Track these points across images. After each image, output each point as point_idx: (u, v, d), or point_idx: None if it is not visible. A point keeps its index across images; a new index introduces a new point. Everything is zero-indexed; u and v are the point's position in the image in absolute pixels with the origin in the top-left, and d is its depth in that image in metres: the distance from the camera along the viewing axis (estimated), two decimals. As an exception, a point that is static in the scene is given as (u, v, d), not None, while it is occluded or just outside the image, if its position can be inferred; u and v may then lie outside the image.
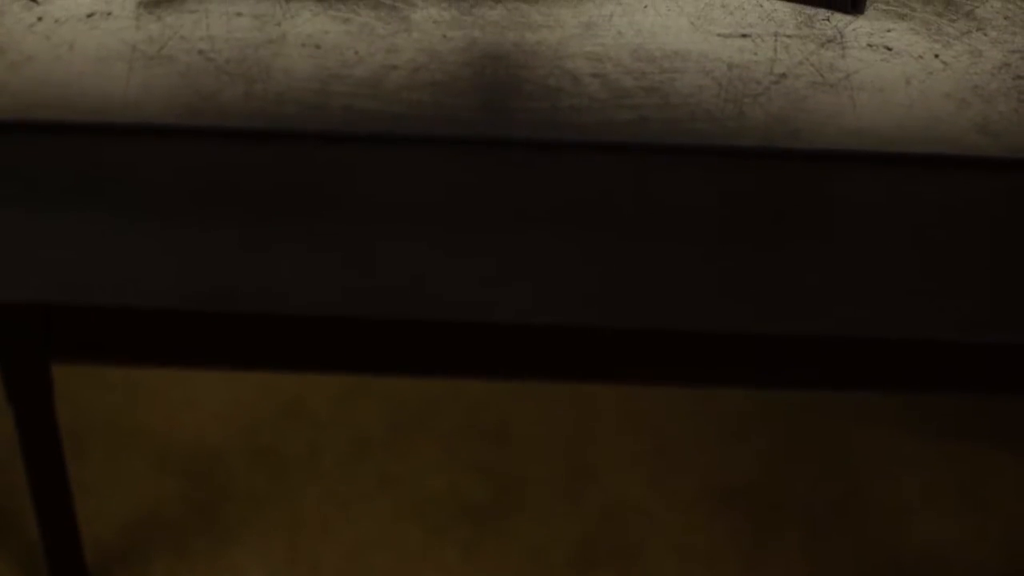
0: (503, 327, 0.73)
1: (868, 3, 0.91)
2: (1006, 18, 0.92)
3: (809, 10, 0.91)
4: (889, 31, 0.90)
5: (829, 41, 0.88)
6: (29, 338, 0.76)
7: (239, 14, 0.87)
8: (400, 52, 0.85)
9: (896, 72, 0.86)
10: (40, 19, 0.86)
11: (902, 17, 0.91)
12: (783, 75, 0.85)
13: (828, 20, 0.90)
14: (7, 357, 1.03)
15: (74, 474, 1.27)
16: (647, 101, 0.83)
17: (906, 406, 1.43)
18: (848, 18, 0.91)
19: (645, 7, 0.90)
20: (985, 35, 0.90)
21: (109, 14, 0.87)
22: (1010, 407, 1.42)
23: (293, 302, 0.72)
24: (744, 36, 0.88)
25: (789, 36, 0.88)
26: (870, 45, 0.88)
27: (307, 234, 0.75)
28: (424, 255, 0.74)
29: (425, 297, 0.73)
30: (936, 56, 0.88)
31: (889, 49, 0.88)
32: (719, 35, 0.88)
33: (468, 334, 0.73)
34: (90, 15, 0.86)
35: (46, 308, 0.73)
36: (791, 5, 0.91)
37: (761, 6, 0.91)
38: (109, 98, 0.81)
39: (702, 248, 0.76)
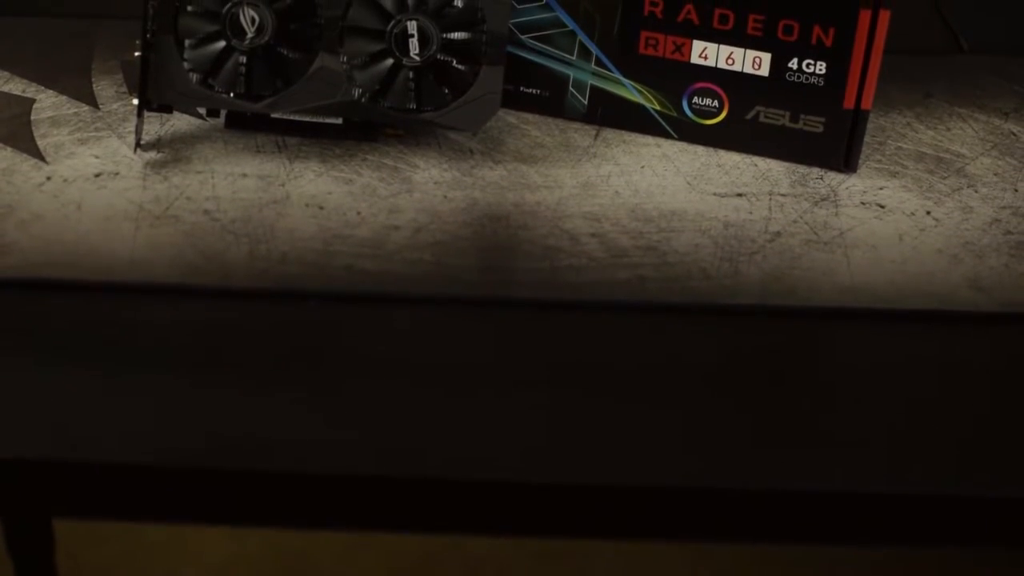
0: (502, 485, 0.73)
1: (860, 161, 0.93)
2: (995, 174, 0.93)
3: (803, 169, 0.92)
4: (882, 189, 0.91)
5: (823, 199, 0.90)
6: (30, 493, 0.76)
7: (244, 175, 0.89)
8: (402, 212, 0.86)
9: (889, 229, 0.88)
10: (49, 178, 0.88)
11: (894, 175, 0.92)
12: (778, 233, 0.86)
13: (821, 179, 0.91)
14: (8, 511, 1.03)
15: (73, 627, 1.26)
16: (644, 260, 0.84)
17: (906, 559, 1.42)
18: (841, 176, 0.92)
19: (642, 168, 0.91)
20: (976, 191, 0.91)
21: (116, 174, 0.88)
22: (1010, 559, 1.41)
23: (294, 459, 0.73)
24: (739, 195, 0.89)
25: (783, 195, 0.90)
26: (863, 203, 0.90)
27: (308, 392, 0.75)
28: (424, 413, 0.75)
29: (425, 455, 0.73)
30: (928, 213, 0.89)
31: (882, 207, 0.89)
32: (715, 194, 0.89)
33: (468, 492, 0.73)
34: (98, 175, 0.88)
35: (48, 464, 0.73)
36: (785, 164, 0.92)
37: (756, 165, 0.92)
38: (116, 257, 0.82)
39: (700, 405, 0.76)
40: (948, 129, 0.97)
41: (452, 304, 0.81)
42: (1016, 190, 0.92)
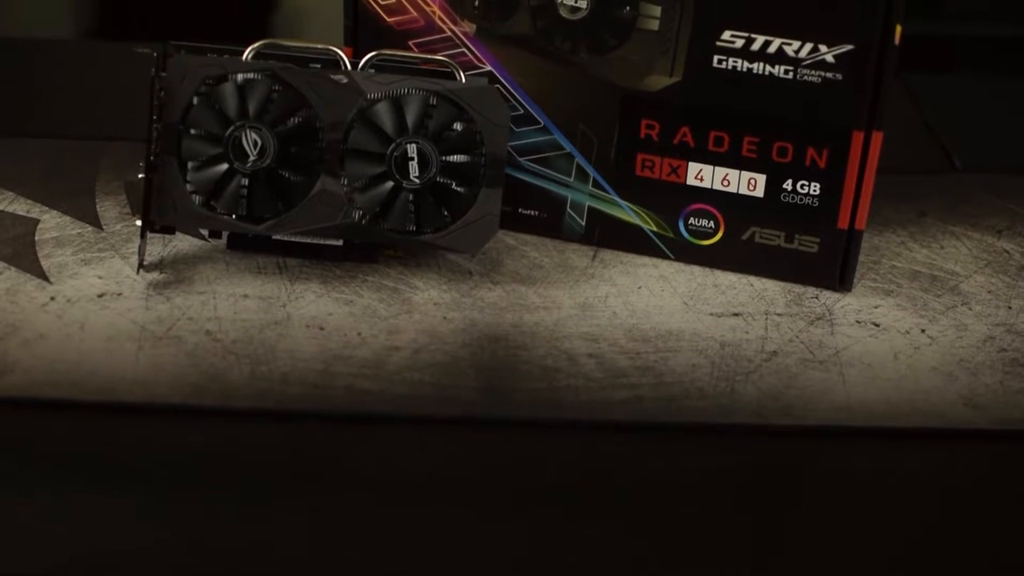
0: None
1: (855, 280, 0.94)
2: (989, 292, 0.94)
3: (798, 288, 0.93)
4: (876, 307, 0.92)
5: (818, 318, 0.90)
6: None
7: (245, 296, 0.89)
8: (401, 333, 0.87)
9: (884, 347, 0.88)
10: (52, 299, 0.88)
11: (889, 293, 0.93)
12: (774, 353, 0.87)
13: (817, 298, 0.92)
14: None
15: None
16: (642, 380, 0.84)
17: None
18: (836, 295, 0.93)
19: (639, 288, 0.92)
20: (970, 309, 0.92)
21: (119, 295, 0.89)
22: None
23: (295, 580, 0.73)
24: (736, 315, 0.90)
25: (779, 314, 0.90)
26: (858, 321, 0.90)
27: (308, 512, 0.76)
28: (424, 533, 0.75)
29: (424, 575, 0.73)
30: (923, 331, 0.90)
31: (877, 325, 0.90)
32: (711, 314, 0.90)
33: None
34: (101, 295, 0.89)
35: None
36: (781, 284, 0.93)
37: (752, 285, 0.93)
38: (118, 376, 0.82)
39: (698, 523, 0.76)
40: (942, 247, 0.98)
41: (451, 424, 0.81)
42: (1010, 307, 0.92)
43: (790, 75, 0.89)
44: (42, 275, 0.91)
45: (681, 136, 0.92)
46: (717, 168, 0.92)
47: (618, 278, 0.93)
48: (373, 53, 0.91)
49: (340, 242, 0.92)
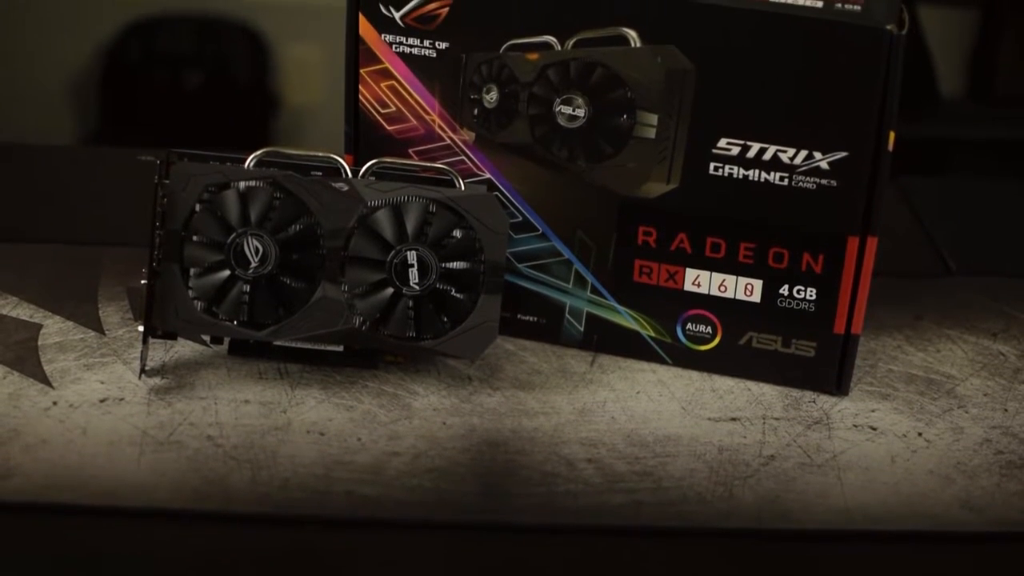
0: None
1: (852, 384, 0.94)
2: (985, 395, 0.94)
3: (795, 392, 0.94)
4: (873, 411, 0.92)
5: (816, 423, 0.91)
6: None
7: (247, 401, 0.90)
8: (401, 439, 0.87)
9: (881, 451, 0.89)
10: (55, 403, 0.89)
11: (885, 397, 0.94)
12: (772, 457, 0.87)
13: (814, 402, 0.93)
14: None
15: None
16: (640, 485, 0.85)
17: None
18: (833, 399, 0.93)
19: (638, 393, 0.93)
20: (966, 412, 0.92)
21: (121, 400, 0.89)
22: None
23: None
24: (733, 420, 0.91)
25: (777, 419, 0.91)
26: (855, 425, 0.91)
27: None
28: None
29: None
30: (919, 434, 0.90)
31: (874, 429, 0.91)
32: (709, 419, 0.91)
33: None
34: (103, 400, 0.89)
35: None
36: (778, 388, 0.94)
37: (749, 390, 0.93)
38: (119, 481, 0.83)
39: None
40: (938, 351, 0.99)
41: (450, 529, 0.81)
42: (1006, 410, 0.93)
43: (785, 182, 0.90)
44: (45, 380, 0.91)
45: (678, 242, 0.93)
46: (714, 274, 0.93)
47: (616, 383, 0.94)
48: (373, 161, 0.92)
49: (340, 348, 0.92)
